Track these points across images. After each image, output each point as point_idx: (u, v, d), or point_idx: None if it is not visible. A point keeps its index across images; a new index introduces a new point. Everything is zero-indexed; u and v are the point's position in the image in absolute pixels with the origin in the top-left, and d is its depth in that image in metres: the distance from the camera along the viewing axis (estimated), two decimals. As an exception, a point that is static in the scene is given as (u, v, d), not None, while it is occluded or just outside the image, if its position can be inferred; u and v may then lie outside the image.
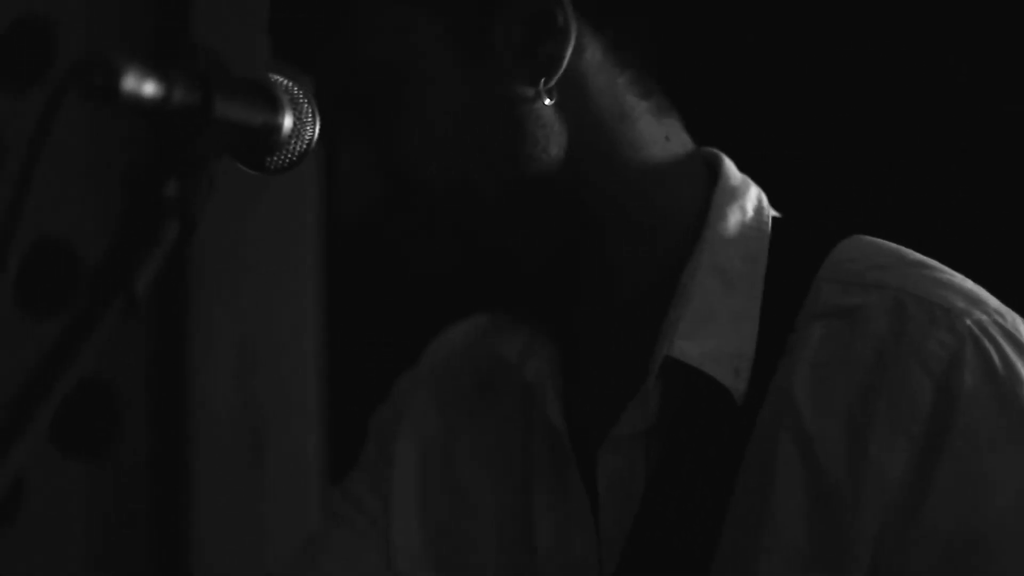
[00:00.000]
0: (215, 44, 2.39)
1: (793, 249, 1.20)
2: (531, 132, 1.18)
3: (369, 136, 1.20)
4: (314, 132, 1.09)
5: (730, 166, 1.24)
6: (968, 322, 1.13)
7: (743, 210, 1.22)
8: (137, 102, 0.91)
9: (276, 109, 1.05)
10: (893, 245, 1.21)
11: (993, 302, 1.17)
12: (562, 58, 1.19)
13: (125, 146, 2.33)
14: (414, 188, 1.19)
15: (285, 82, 1.08)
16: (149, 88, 0.91)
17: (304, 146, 1.08)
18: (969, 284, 1.18)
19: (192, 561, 2.28)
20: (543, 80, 1.18)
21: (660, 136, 1.23)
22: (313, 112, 1.09)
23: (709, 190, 1.22)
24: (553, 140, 1.19)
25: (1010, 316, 1.16)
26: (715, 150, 1.26)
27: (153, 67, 0.92)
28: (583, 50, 1.20)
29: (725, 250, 1.20)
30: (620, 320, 1.22)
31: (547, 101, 1.18)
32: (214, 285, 2.32)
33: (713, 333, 1.17)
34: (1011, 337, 1.14)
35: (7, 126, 2.30)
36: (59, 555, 2.28)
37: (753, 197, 1.23)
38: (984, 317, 1.14)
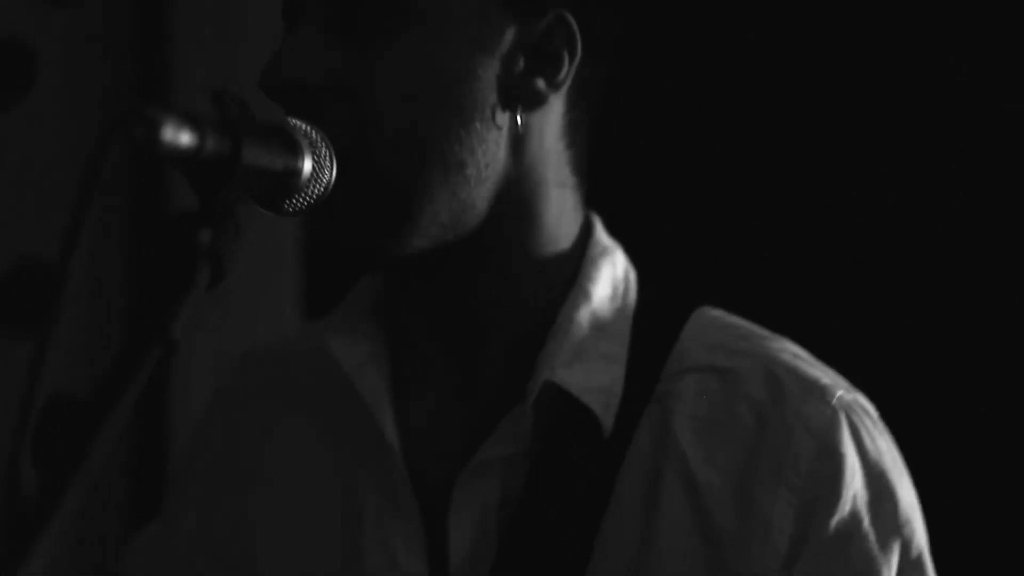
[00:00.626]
0: (194, 65, 2.42)
1: (656, 308, 1.31)
2: (487, 142, 1.22)
3: (348, 43, 1.20)
4: (331, 176, 1.12)
5: (600, 228, 1.34)
6: (837, 396, 1.26)
7: (614, 266, 1.32)
8: (174, 152, 0.94)
9: (296, 153, 1.08)
10: (739, 319, 1.33)
11: (845, 381, 1.30)
12: (545, 100, 1.25)
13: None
14: (356, 110, 1.19)
15: (303, 126, 1.12)
16: (185, 138, 0.95)
17: (321, 190, 1.11)
18: (819, 363, 1.30)
19: None
20: (519, 107, 1.23)
21: (571, 206, 1.30)
22: (331, 156, 1.12)
23: (584, 245, 1.31)
24: (494, 166, 1.23)
25: (862, 396, 1.29)
26: (590, 212, 1.34)
27: (187, 117, 0.95)
28: (552, 110, 1.26)
29: (598, 297, 1.29)
30: (489, 348, 1.28)
31: (519, 120, 1.23)
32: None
33: (586, 369, 1.26)
34: (868, 413, 1.28)
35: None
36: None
37: (622, 258, 1.34)
38: (847, 395, 1.27)
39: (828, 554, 1.21)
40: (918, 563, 1.25)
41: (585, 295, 1.28)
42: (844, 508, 1.22)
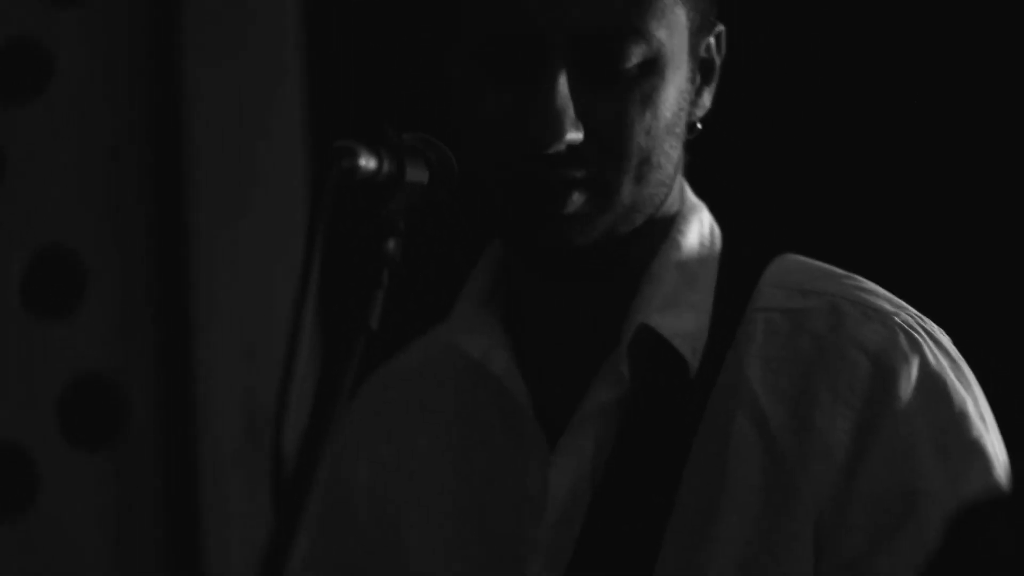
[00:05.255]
0: (207, 59, 2.52)
1: (737, 260, 1.42)
2: (679, 153, 1.38)
3: (596, 93, 1.31)
4: (453, 185, 1.27)
5: (688, 189, 1.45)
6: (898, 319, 1.36)
7: (701, 223, 1.43)
8: (365, 175, 1.11)
9: (427, 167, 1.23)
10: (820, 263, 1.44)
11: (913, 309, 1.39)
12: (708, 105, 1.39)
13: (125, 159, 2.49)
14: (604, 149, 1.31)
15: (428, 140, 1.26)
16: (372, 164, 1.12)
17: (445, 195, 1.27)
18: (891, 295, 1.40)
19: (202, 546, 2.41)
20: (696, 116, 1.38)
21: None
22: (454, 168, 1.27)
23: (679, 204, 1.43)
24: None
25: (929, 321, 1.38)
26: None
27: (368, 146, 1.12)
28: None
29: (687, 252, 1.40)
30: (595, 301, 1.40)
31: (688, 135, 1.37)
32: (217, 280, 2.43)
33: (676, 316, 1.37)
34: (933, 336, 1.37)
35: (8, 137, 2.41)
36: (73, 543, 2.40)
37: (707, 215, 1.45)
38: (910, 318, 1.37)
39: (882, 464, 1.30)
40: (974, 446, 1.32)
41: (676, 247, 1.39)
42: (896, 418, 1.30)
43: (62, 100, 2.48)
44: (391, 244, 1.12)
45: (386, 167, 1.14)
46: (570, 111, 1.29)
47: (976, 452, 1.33)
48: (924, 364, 1.33)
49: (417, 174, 1.19)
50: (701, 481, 1.35)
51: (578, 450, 1.38)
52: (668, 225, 1.40)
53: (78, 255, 2.47)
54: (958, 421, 1.33)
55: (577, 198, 1.32)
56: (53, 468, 2.40)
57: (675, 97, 1.34)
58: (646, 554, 1.34)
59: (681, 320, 1.37)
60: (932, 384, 1.33)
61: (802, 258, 1.43)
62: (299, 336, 1.06)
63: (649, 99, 1.32)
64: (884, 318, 1.35)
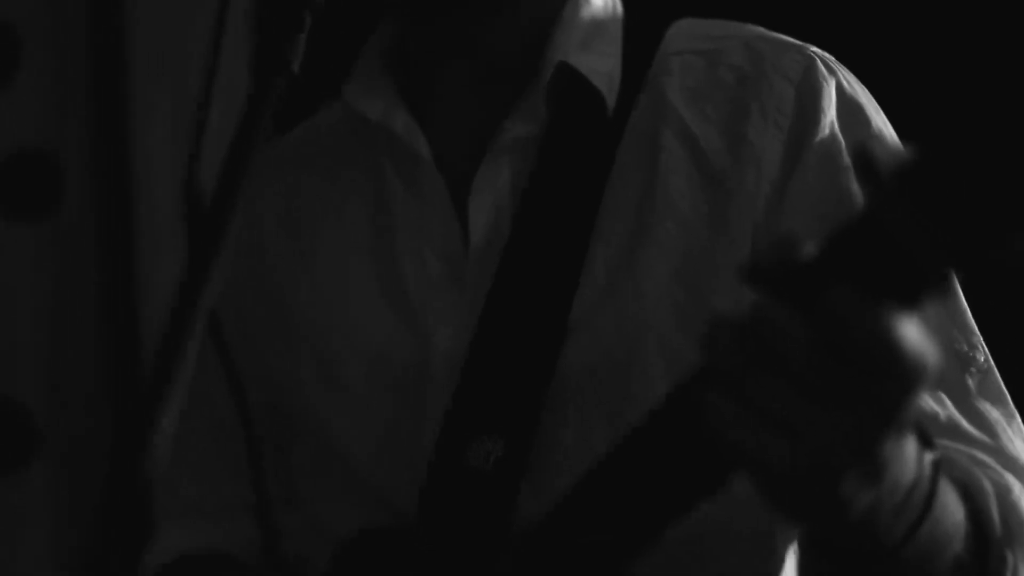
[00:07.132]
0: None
1: (640, 21, 1.47)
2: None
3: None
4: None
5: None
6: (811, 49, 1.43)
7: None
8: None
9: None
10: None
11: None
12: None
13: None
14: None
15: None
16: None
17: None
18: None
19: (139, 316, 2.43)
20: None
21: None
22: None
23: None
24: None
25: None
26: None
27: None
28: None
29: (594, 7, 1.45)
30: (503, 46, 1.42)
31: None
32: (155, 46, 2.41)
33: (590, 57, 1.42)
34: (840, 65, 1.43)
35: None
36: (10, 315, 2.42)
37: None
38: (818, 49, 1.43)
39: (814, 172, 1.36)
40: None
41: (584, 3, 1.44)
42: (824, 131, 1.37)
43: None
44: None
45: None
46: None
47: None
48: (840, 87, 1.39)
49: None
50: (628, 196, 1.38)
51: (494, 181, 1.40)
52: None
53: (12, 27, 2.44)
54: (877, 139, 1.40)
55: None
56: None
57: None
58: (570, 271, 1.37)
59: (595, 60, 1.41)
60: (850, 105, 1.39)
61: (701, 20, 1.48)
62: (215, 76, 1.05)
63: None
64: (799, 48, 1.41)
